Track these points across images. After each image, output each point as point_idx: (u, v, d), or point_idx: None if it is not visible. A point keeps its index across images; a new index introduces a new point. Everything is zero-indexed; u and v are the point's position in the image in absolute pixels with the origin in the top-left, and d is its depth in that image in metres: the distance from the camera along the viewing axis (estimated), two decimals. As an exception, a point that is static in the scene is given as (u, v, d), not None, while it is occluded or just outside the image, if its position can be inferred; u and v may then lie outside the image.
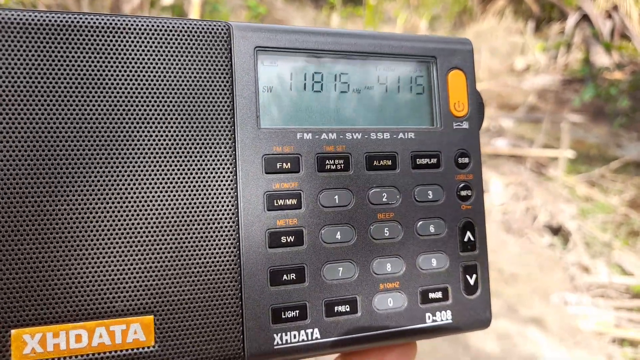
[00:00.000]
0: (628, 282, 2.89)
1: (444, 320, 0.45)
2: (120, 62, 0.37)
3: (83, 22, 0.36)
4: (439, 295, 0.45)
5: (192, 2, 4.40)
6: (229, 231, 0.39)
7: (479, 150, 0.48)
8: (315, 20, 7.11)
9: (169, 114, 0.38)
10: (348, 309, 0.42)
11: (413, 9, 7.66)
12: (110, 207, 0.36)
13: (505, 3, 7.55)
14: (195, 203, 0.38)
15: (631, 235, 3.48)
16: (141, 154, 0.37)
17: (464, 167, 0.47)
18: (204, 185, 0.38)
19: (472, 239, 0.47)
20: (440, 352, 2.19)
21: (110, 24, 0.37)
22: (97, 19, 0.37)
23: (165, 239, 0.37)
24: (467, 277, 0.46)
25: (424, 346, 2.11)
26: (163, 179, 0.37)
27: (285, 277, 0.40)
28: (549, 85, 6.29)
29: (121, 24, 0.37)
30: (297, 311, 0.40)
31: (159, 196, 0.37)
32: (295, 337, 0.40)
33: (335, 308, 0.41)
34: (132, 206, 0.36)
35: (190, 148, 0.38)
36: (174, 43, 0.39)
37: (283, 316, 0.40)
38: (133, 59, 0.37)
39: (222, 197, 0.39)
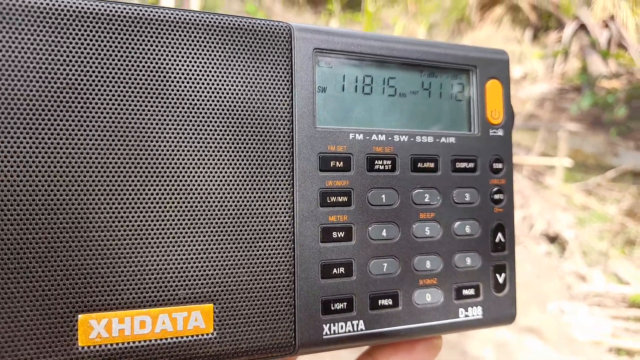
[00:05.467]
0: (624, 291, 2.89)
1: (475, 316, 0.47)
2: (181, 58, 0.38)
3: (139, 14, 0.37)
4: (471, 292, 0.47)
5: (191, 4, 4.41)
6: (285, 225, 0.40)
7: (511, 156, 0.50)
8: (314, 26, 7.12)
9: (229, 111, 0.39)
10: (390, 303, 0.44)
11: (411, 16, 7.69)
12: (176, 198, 0.37)
13: (503, 11, 7.59)
14: (254, 197, 0.39)
15: (628, 244, 3.48)
16: (201, 146, 0.38)
17: (497, 172, 0.49)
18: (263, 180, 0.40)
19: (502, 240, 0.49)
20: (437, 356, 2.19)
21: (171, 17, 0.37)
22: (155, 12, 0.37)
23: (226, 231, 0.38)
24: (497, 275, 0.49)
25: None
26: (223, 172, 0.38)
27: (335, 270, 0.42)
28: (546, 93, 6.32)
29: (183, 19, 0.38)
30: (345, 303, 0.42)
31: (220, 189, 0.38)
32: (342, 328, 0.42)
33: (379, 301, 0.43)
34: (196, 197, 0.37)
35: (250, 144, 0.39)
36: (236, 40, 0.39)
37: (332, 308, 0.41)
38: (194, 55, 0.38)
39: (280, 192, 0.40)
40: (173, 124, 0.37)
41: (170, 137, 0.37)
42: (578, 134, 5.35)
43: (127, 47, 0.36)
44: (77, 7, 0.35)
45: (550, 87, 6.45)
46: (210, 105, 0.38)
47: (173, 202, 0.37)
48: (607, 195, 4.20)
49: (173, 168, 0.37)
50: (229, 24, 0.39)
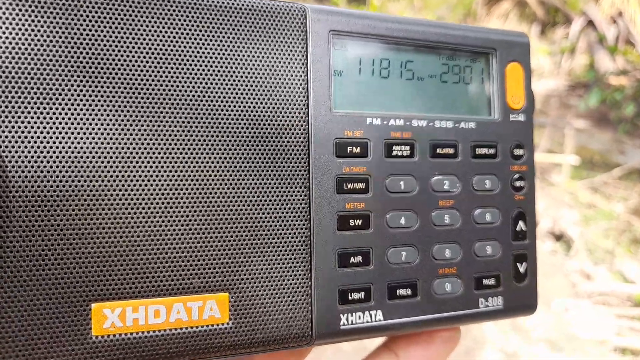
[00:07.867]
0: (630, 290, 2.88)
1: (496, 306, 0.46)
2: (193, 39, 0.37)
3: None
4: (492, 282, 0.46)
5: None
6: (301, 212, 0.39)
7: (532, 142, 0.49)
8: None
9: (242, 95, 0.38)
10: (409, 293, 0.43)
11: (417, 10, 7.65)
12: (190, 184, 0.36)
13: (510, 6, 7.54)
14: (269, 183, 0.38)
15: (634, 243, 3.47)
16: (214, 132, 0.37)
17: (518, 158, 0.48)
18: (278, 166, 0.39)
19: (523, 228, 0.48)
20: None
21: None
22: None
23: (241, 219, 0.37)
24: (518, 265, 0.47)
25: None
26: (237, 158, 0.38)
27: (352, 259, 0.41)
28: (553, 90, 6.28)
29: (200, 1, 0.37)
30: (363, 293, 0.41)
31: (234, 175, 0.37)
32: (360, 318, 0.41)
33: (398, 291, 0.42)
34: (210, 184, 0.37)
35: (264, 129, 0.38)
36: (249, 22, 0.38)
37: (349, 297, 0.40)
38: (206, 36, 0.37)
39: (296, 179, 0.39)
40: (185, 108, 0.36)
41: (182, 122, 0.36)
42: (585, 131, 5.32)
43: (140, 27, 0.35)
44: None
45: (557, 84, 6.42)
46: (223, 89, 0.37)
47: (187, 189, 0.36)
48: (614, 193, 4.18)
49: (186, 153, 0.36)
50: (242, 4, 0.38)
